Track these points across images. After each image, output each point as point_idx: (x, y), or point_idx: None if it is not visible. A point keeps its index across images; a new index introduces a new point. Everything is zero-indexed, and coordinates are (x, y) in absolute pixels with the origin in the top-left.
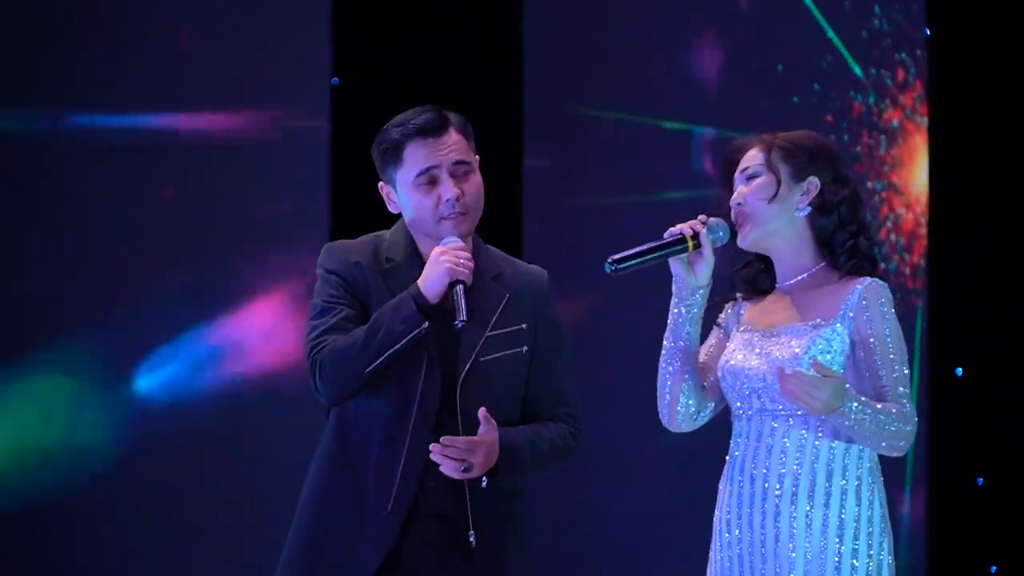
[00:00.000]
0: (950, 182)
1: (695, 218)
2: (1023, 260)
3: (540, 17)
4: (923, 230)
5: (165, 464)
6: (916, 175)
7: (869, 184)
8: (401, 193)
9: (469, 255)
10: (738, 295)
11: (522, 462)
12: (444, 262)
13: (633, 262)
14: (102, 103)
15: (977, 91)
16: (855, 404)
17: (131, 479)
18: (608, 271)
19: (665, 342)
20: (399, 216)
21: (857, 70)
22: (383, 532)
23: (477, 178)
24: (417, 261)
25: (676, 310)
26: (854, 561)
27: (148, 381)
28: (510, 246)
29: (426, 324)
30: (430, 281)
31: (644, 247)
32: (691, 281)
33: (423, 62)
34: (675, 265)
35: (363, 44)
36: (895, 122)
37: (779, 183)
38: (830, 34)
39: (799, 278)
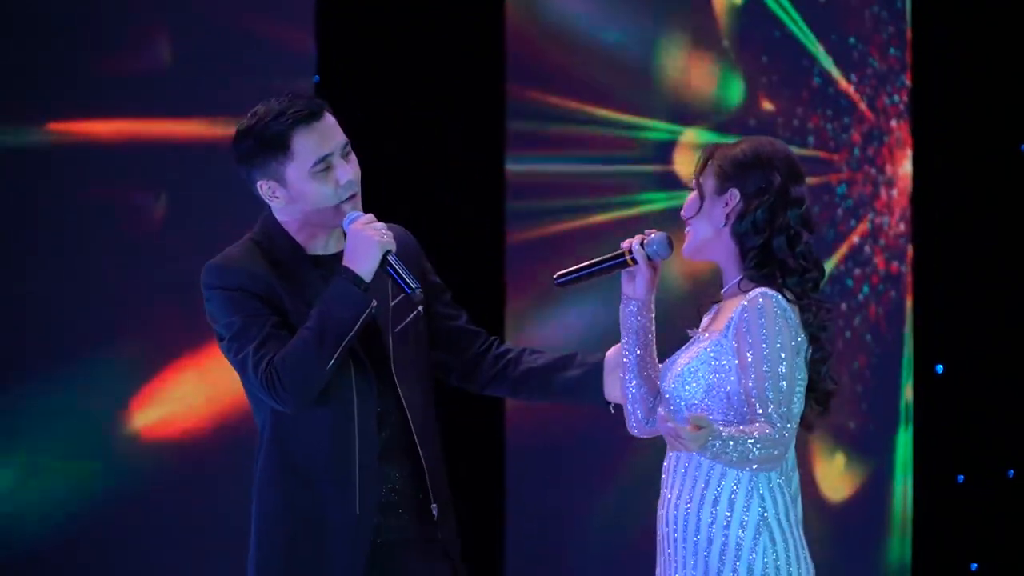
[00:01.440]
0: (934, 181)
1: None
2: (1006, 259)
3: (524, 14)
4: (906, 228)
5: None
6: (900, 173)
7: (847, 185)
8: (292, 186)
9: (383, 224)
10: (714, 304)
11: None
12: (371, 235)
13: (576, 276)
14: (85, 111)
15: (961, 88)
16: (718, 442)
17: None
18: (556, 284)
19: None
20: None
21: (835, 71)
22: (357, 534)
23: (354, 155)
24: (303, 257)
25: (620, 322)
26: (721, 565)
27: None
28: (494, 246)
29: (374, 303)
30: (360, 258)
31: (588, 262)
32: (629, 293)
33: (405, 63)
34: (622, 278)
35: (347, 46)
36: (879, 120)
37: (702, 198)
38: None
39: (727, 288)
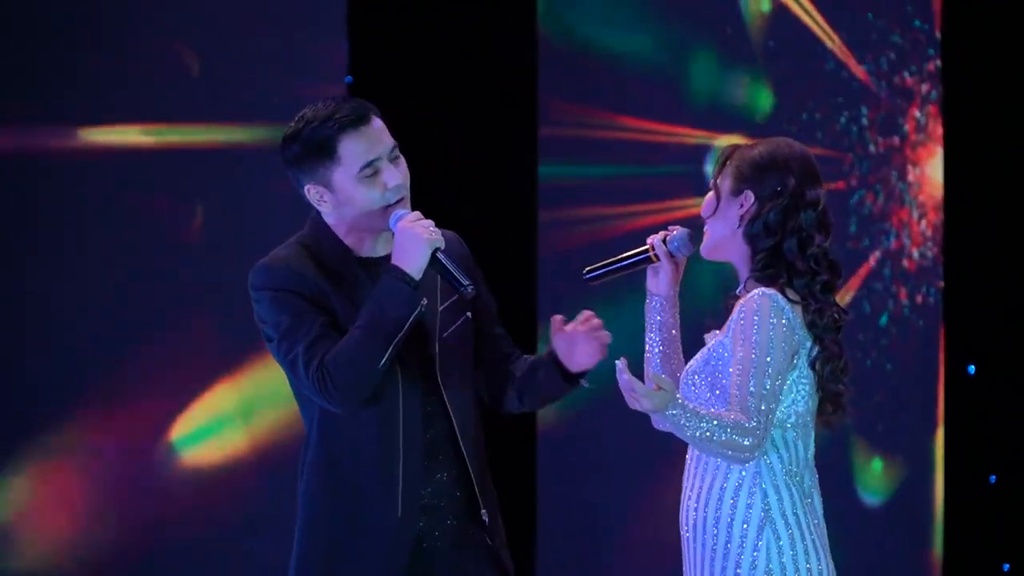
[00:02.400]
0: (966, 182)
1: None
2: None
3: (556, 19)
4: (938, 230)
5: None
6: (931, 174)
7: (880, 185)
8: (339, 191)
9: (431, 220)
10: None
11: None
12: (419, 232)
13: (603, 271)
14: (113, 117)
15: (992, 87)
16: (675, 411)
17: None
18: (586, 279)
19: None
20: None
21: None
22: (398, 536)
23: (403, 158)
24: (351, 259)
25: (645, 318)
26: (724, 562)
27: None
28: (526, 249)
29: (425, 301)
30: (409, 255)
31: (615, 258)
32: (651, 289)
33: (437, 70)
34: (647, 273)
35: (377, 55)
36: (910, 120)
37: (717, 198)
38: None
39: (738, 289)
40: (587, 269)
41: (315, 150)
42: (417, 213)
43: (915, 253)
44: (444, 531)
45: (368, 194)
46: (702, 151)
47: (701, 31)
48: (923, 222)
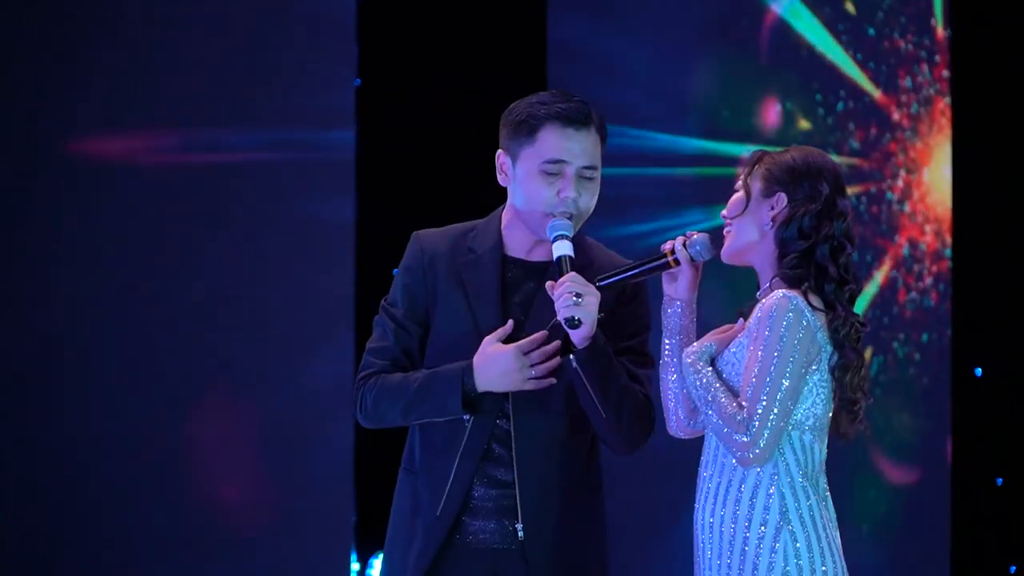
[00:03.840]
0: (974, 184)
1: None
2: None
3: (565, 23)
4: (947, 234)
5: None
6: (940, 177)
7: (891, 188)
8: (520, 172)
9: (573, 297)
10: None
11: (606, 362)
12: (515, 374)
13: (619, 278)
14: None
15: (1000, 89)
16: (690, 359)
17: None
18: (598, 287)
19: (662, 351)
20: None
21: (868, 85)
22: (432, 535)
23: (597, 186)
24: (498, 257)
25: (663, 322)
26: (742, 563)
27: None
28: None
29: (468, 417)
30: (489, 375)
31: (630, 264)
32: (671, 294)
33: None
34: (663, 280)
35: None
36: (917, 122)
37: (748, 198)
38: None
39: (761, 290)
40: (600, 277)
41: (522, 122)
42: (571, 277)
43: (923, 255)
44: (486, 532)
45: (539, 190)
46: (703, 161)
47: (704, 39)
48: (930, 235)
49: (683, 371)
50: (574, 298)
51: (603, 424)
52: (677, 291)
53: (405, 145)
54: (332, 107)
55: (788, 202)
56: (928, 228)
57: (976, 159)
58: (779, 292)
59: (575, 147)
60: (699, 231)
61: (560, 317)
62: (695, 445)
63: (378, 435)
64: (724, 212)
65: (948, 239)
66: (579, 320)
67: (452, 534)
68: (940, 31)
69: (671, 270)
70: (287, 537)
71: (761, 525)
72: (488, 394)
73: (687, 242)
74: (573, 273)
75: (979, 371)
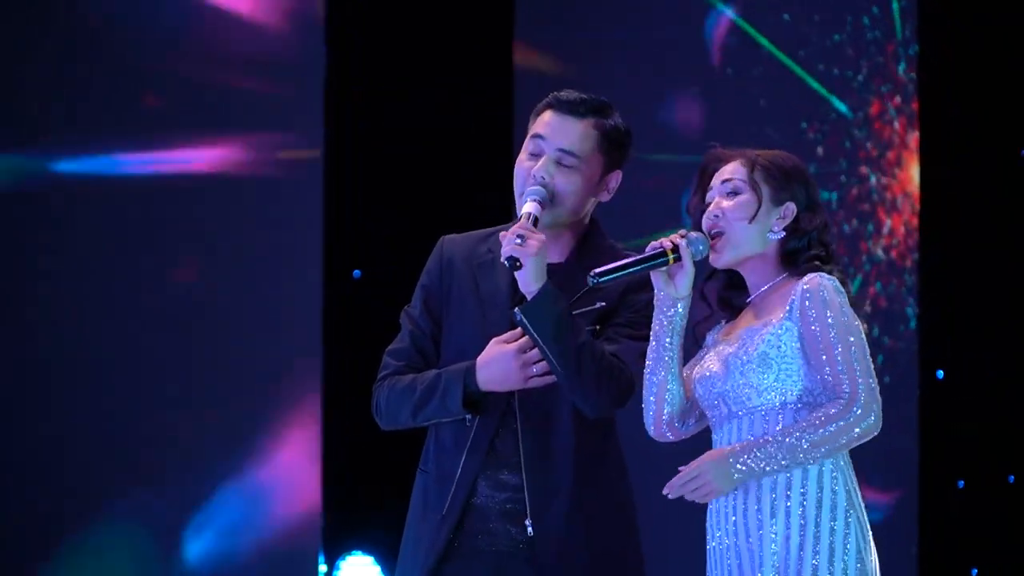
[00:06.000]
0: (939, 187)
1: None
2: (1007, 266)
3: (533, 29)
4: (913, 237)
5: None
6: (907, 180)
7: (857, 193)
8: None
9: (520, 236)
10: (722, 320)
11: (557, 313)
12: (514, 369)
13: (614, 275)
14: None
15: (966, 94)
16: (747, 457)
17: None
18: (591, 284)
19: (649, 352)
20: None
21: (835, 100)
22: (436, 534)
23: (578, 177)
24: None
25: (658, 322)
26: (816, 545)
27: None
28: None
29: (470, 416)
30: (491, 382)
31: (626, 260)
32: (671, 292)
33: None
34: (656, 278)
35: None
36: (886, 126)
37: (759, 203)
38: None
39: (762, 289)
40: (596, 271)
41: (536, 111)
42: (520, 224)
43: (890, 257)
44: (490, 533)
45: (520, 167)
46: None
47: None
48: (896, 239)
49: (782, 468)
50: (516, 239)
51: (564, 382)
52: (678, 289)
53: (371, 157)
54: (303, 112)
55: (795, 209)
56: (895, 232)
57: (943, 164)
58: (812, 275)
59: (557, 128)
60: (694, 231)
61: (503, 257)
62: None
63: (345, 439)
64: (726, 211)
65: (915, 242)
66: (519, 262)
67: (457, 535)
68: (903, 38)
69: (668, 268)
70: (257, 536)
71: (832, 507)
72: (492, 394)
73: (688, 239)
74: (523, 220)
75: (941, 373)
